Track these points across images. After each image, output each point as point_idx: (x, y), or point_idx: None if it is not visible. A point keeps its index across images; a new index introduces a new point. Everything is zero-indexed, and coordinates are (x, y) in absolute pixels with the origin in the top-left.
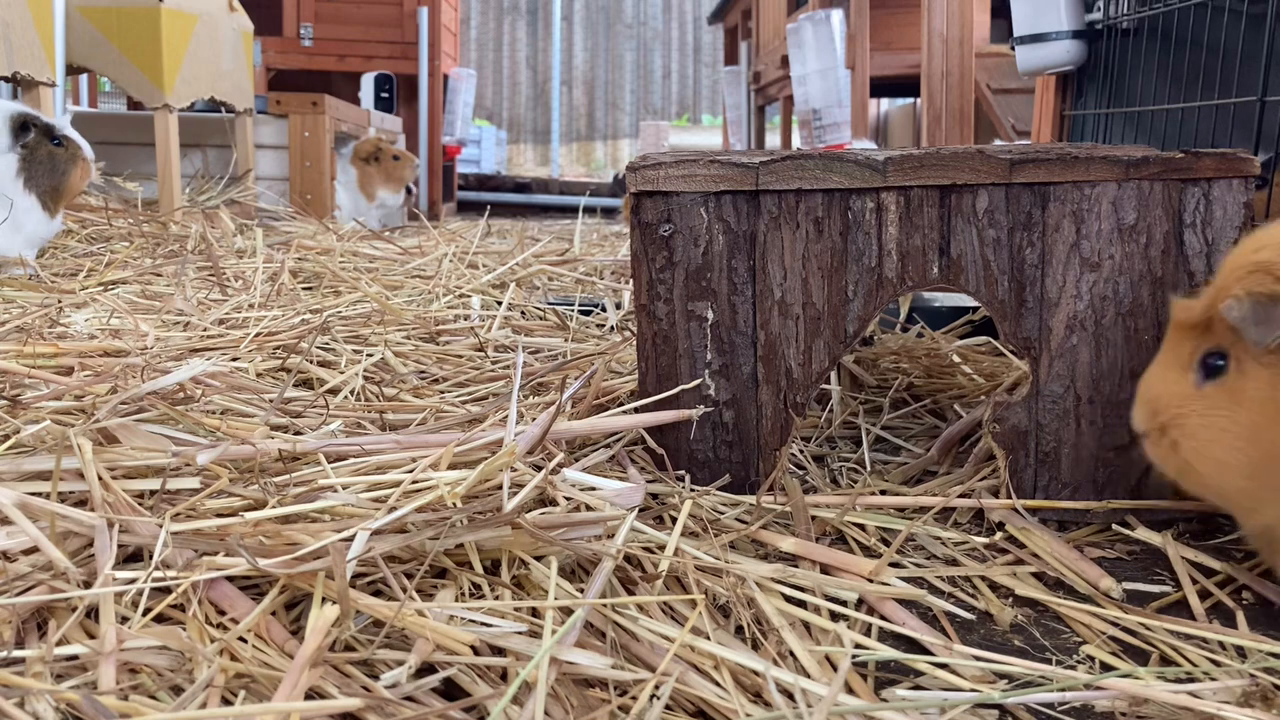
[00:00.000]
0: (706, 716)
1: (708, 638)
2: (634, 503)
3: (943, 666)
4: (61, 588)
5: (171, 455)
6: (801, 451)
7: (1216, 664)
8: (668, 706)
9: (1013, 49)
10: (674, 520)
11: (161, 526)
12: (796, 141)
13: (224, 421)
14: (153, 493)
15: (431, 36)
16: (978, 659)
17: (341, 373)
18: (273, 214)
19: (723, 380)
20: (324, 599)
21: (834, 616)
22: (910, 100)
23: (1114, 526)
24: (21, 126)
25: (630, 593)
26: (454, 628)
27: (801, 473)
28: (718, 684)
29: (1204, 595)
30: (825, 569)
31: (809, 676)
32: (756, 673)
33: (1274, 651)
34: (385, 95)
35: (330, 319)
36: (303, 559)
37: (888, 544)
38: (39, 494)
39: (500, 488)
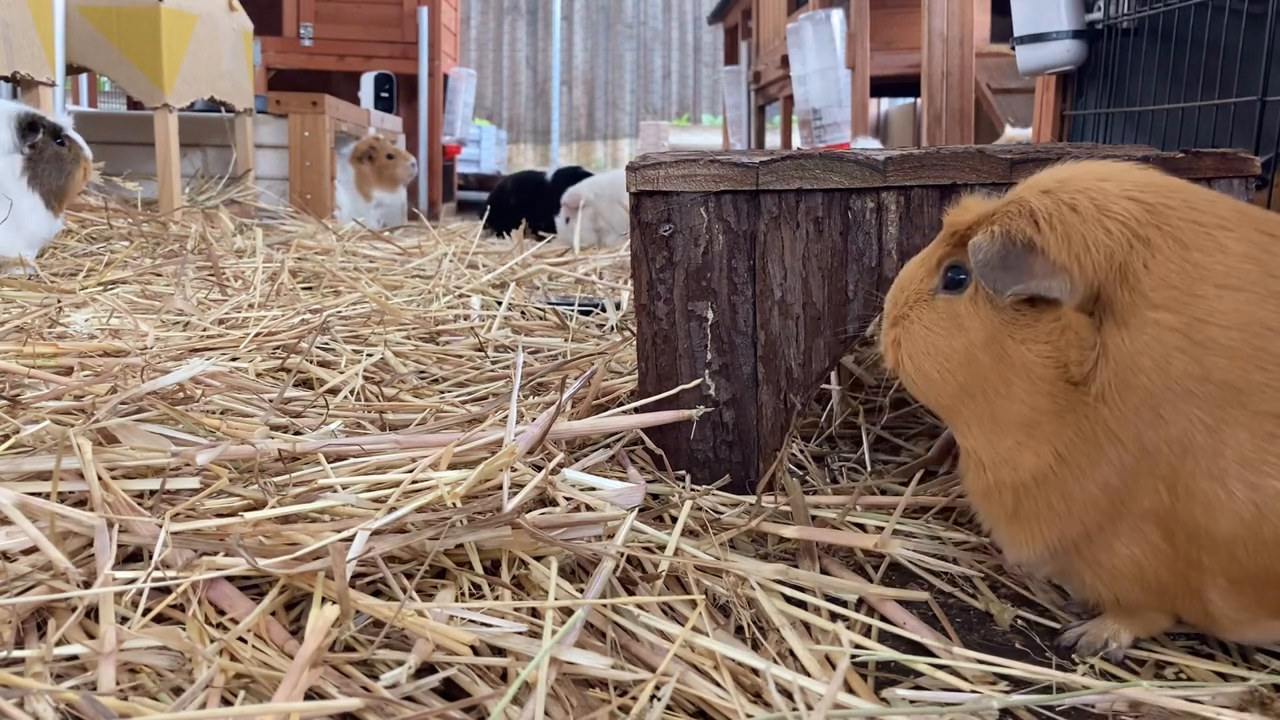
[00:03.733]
0: (706, 717)
1: (708, 637)
2: (634, 503)
3: (943, 668)
4: (61, 588)
5: (171, 455)
6: (801, 451)
7: (1220, 675)
8: (668, 707)
9: (1013, 49)
10: (674, 520)
11: (161, 526)
12: (796, 141)
13: (224, 421)
14: (152, 493)
15: (431, 36)
16: (979, 661)
17: (341, 373)
18: (273, 214)
19: (723, 380)
20: (324, 599)
21: (834, 617)
22: (910, 100)
23: None
24: (29, 126)
25: (630, 593)
26: (454, 628)
27: (801, 473)
28: (718, 684)
29: None
30: (829, 549)
31: (809, 676)
32: (756, 672)
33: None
34: (385, 95)
35: (330, 319)
36: (303, 559)
37: None
38: (39, 494)
39: (500, 488)
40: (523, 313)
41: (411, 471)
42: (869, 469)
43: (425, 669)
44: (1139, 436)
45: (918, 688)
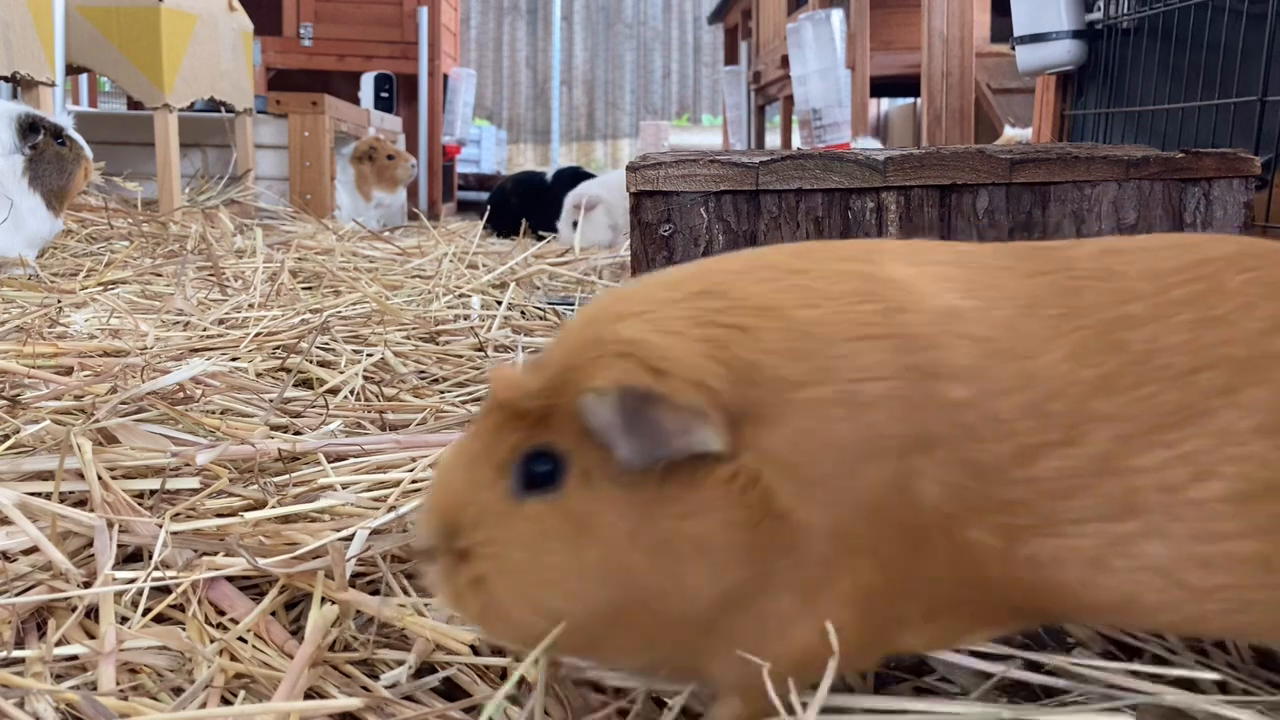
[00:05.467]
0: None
1: None
2: None
3: (944, 665)
4: (61, 588)
5: (171, 455)
6: None
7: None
8: (667, 707)
9: (1013, 49)
10: None
11: (161, 526)
12: (796, 141)
13: (224, 421)
14: (152, 493)
15: (431, 36)
16: (976, 654)
17: (341, 373)
18: (273, 214)
19: None
20: (324, 599)
21: None
22: (910, 100)
23: None
24: (30, 127)
25: None
26: (454, 627)
27: None
28: None
29: None
30: None
31: None
32: None
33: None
34: (385, 95)
35: (330, 319)
36: (302, 559)
37: None
38: (39, 494)
39: None
40: (523, 313)
41: (411, 471)
42: None
43: (425, 669)
44: (826, 521)
45: (918, 688)
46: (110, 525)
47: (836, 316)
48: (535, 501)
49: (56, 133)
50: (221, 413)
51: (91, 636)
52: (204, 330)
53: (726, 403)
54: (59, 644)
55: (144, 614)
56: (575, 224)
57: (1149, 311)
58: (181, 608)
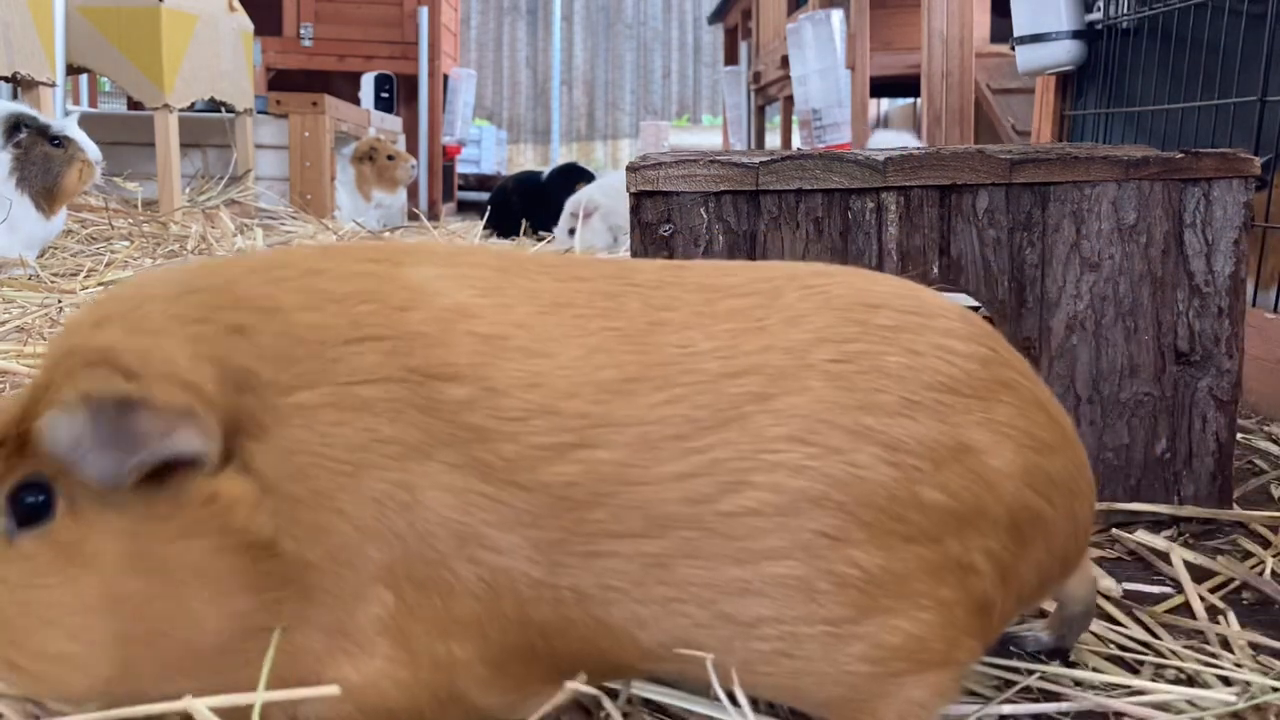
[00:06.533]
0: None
1: None
2: None
3: None
4: None
5: None
6: None
7: (1219, 671)
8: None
9: (1013, 49)
10: None
11: None
12: (796, 141)
13: None
14: None
15: (431, 36)
16: (980, 662)
17: None
18: (273, 214)
19: None
20: None
21: None
22: (910, 100)
23: (1113, 529)
24: (14, 126)
25: None
26: None
27: None
28: None
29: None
30: None
31: None
32: None
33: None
34: (385, 95)
35: None
36: None
37: None
38: None
39: None
40: None
41: None
42: None
43: None
44: (334, 547)
45: None
46: None
47: (335, 319)
48: (28, 537)
49: (45, 132)
50: None
51: None
52: None
53: (219, 408)
54: None
55: None
56: (572, 230)
57: (687, 319)
58: None
